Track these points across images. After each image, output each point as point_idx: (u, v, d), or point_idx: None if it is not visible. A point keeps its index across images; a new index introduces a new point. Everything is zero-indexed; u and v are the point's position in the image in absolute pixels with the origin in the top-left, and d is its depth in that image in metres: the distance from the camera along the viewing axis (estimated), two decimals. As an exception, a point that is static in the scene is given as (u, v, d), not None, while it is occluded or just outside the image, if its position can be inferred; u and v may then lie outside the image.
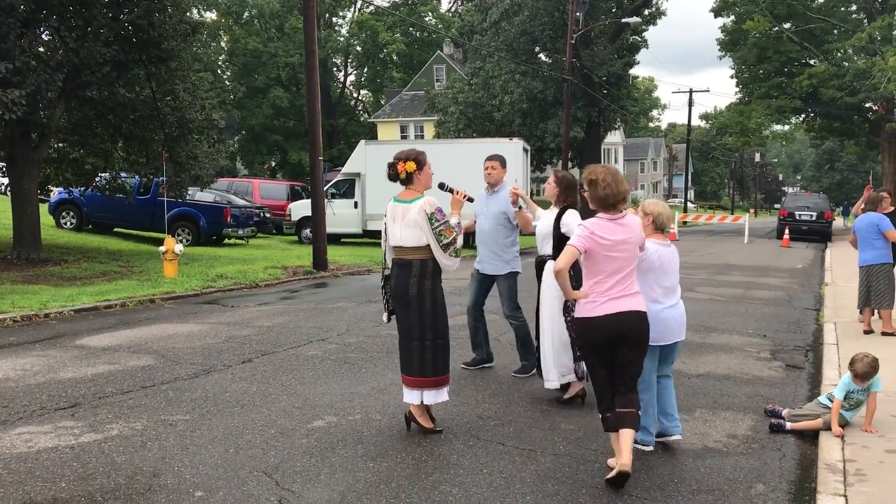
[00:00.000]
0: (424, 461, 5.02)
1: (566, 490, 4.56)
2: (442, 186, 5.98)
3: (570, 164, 39.56)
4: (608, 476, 4.63)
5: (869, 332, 9.54)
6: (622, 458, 4.56)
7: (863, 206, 10.37)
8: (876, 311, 9.76)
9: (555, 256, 5.94)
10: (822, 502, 4.37)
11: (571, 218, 6.23)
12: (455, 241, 5.44)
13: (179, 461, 4.95)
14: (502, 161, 7.48)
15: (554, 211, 6.53)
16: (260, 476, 4.71)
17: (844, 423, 5.64)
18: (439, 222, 5.39)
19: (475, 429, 5.70)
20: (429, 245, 5.42)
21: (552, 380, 6.37)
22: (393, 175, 5.56)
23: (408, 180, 5.54)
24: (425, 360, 5.48)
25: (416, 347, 5.50)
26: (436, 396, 5.56)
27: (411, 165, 5.49)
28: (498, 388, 6.89)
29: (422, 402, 5.54)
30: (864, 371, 5.61)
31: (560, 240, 6.08)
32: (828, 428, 5.57)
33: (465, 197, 5.73)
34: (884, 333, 9.37)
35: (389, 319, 5.79)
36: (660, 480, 4.74)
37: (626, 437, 4.63)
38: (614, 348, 4.73)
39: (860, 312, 10.01)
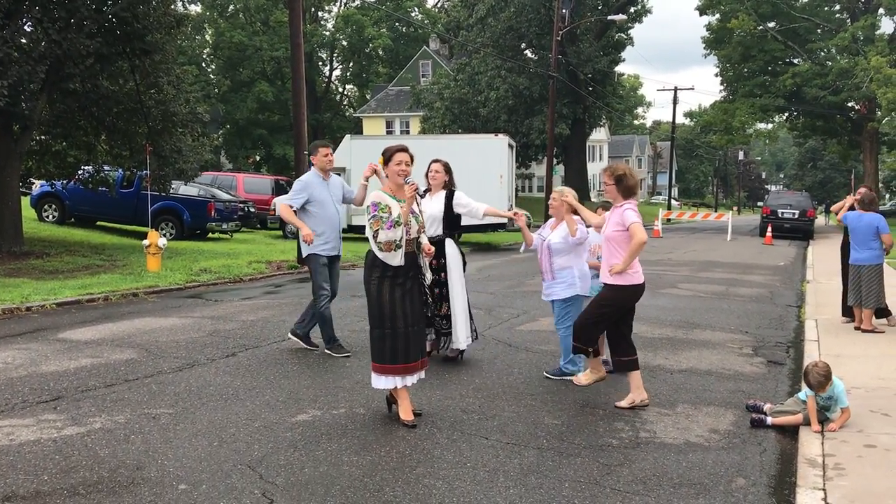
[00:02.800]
0: (408, 455, 5.03)
1: (549, 484, 4.59)
2: (404, 179, 6.00)
3: (555, 160, 39.68)
4: (639, 403, 6.20)
5: (861, 328, 9.59)
6: (643, 392, 6.24)
7: (848, 206, 10.43)
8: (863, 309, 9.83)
9: (449, 235, 7.46)
10: (801, 496, 4.42)
11: (465, 198, 7.47)
12: (377, 235, 5.54)
13: (163, 454, 4.94)
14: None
15: (440, 195, 7.46)
16: (244, 469, 4.71)
17: (824, 420, 5.69)
18: (370, 215, 5.59)
19: (459, 423, 5.72)
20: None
21: (462, 341, 7.49)
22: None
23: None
24: (372, 347, 5.74)
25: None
26: (373, 381, 5.76)
27: (381, 160, 5.83)
28: (482, 383, 6.91)
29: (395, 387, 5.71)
30: (817, 382, 5.59)
31: (452, 219, 7.43)
32: (808, 423, 5.63)
33: (414, 190, 5.73)
34: (863, 330, 9.47)
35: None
36: (642, 474, 4.78)
37: (636, 376, 6.25)
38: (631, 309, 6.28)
39: (849, 310, 10.09)
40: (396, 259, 5.56)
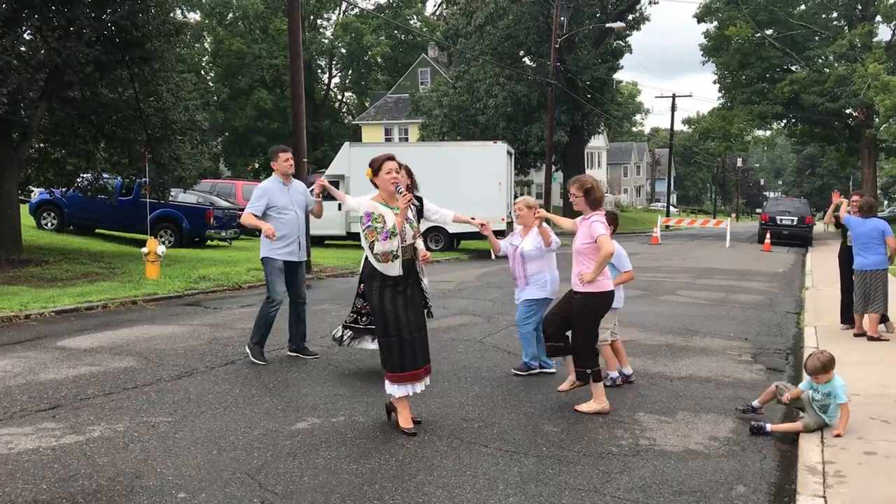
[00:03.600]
0: (408, 463, 5.03)
1: (549, 492, 4.58)
2: (397, 189, 5.98)
3: (554, 168, 39.72)
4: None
5: (861, 334, 9.56)
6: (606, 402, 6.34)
7: (833, 208, 10.47)
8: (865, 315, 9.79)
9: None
10: (801, 503, 4.42)
11: (433, 205, 7.51)
12: (373, 246, 5.53)
13: (162, 463, 4.93)
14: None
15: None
16: (243, 478, 4.70)
17: (823, 426, 5.70)
18: (364, 225, 5.57)
19: (459, 430, 5.72)
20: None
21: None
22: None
23: (374, 185, 5.80)
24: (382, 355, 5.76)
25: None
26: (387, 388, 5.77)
27: (369, 172, 5.78)
28: (482, 391, 6.91)
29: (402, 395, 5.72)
30: (813, 366, 5.77)
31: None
32: (808, 431, 5.63)
33: (408, 200, 5.74)
34: (869, 338, 9.43)
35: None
36: (642, 482, 4.78)
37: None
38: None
39: (849, 317, 10.08)
40: (395, 269, 5.55)
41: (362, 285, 7.15)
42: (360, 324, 7.48)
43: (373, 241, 5.51)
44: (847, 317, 10.25)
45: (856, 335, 9.61)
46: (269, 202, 7.74)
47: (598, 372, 6.34)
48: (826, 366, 5.74)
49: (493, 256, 7.19)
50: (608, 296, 6.31)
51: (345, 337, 7.56)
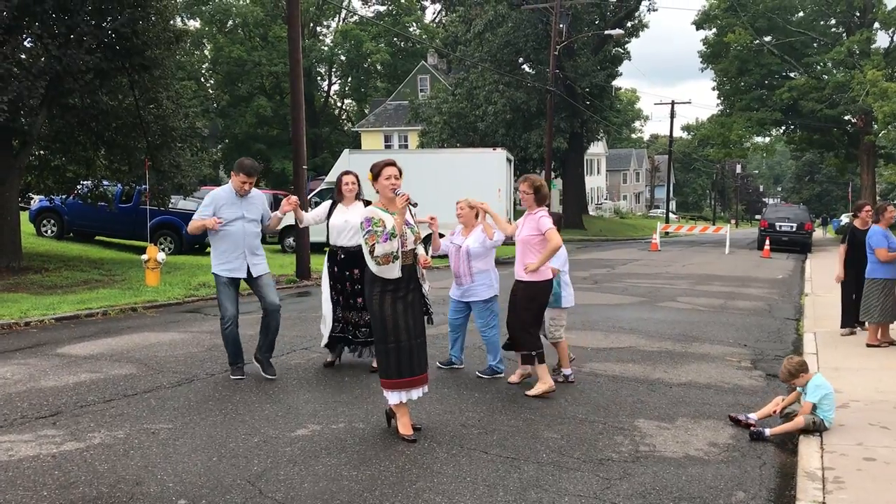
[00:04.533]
0: (408, 469, 5.03)
1: (549, 498, 4.59)
2: (394, 192, 5.98)
3: (552, 175, 39.75)
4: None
5: (873, 344, 9.42)
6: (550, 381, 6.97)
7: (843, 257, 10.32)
8: (866, 323, 9.74)
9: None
10: (801, 509, 4.43)
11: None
12: (374, 249, 5.52)
13: (162, 469, 4.93)
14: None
15: (357, 205, 7.63)
16: (243, 484, 4.71)
17: (822, 426, 5.73)
18: (364, 230, 5.58)
19: (458, 437, 5.72)
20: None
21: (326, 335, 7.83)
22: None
23: (377, 191, 5.85)
24: (379, 363, 5.79)
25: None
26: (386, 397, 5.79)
27: (369, 176, 5.82)
28: (482, 397, 6.91)
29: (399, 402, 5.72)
30: (783, 376, 6.12)
31: None
32: (807, 429, 5.66)
33: (407, 201, 5.75)
34: (867, 344, 9.42)
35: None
36: (642, 488, 4.78)
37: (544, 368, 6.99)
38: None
39: (850, 321, 10.07)
40: (395, 272, 5.55)
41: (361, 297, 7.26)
42: (367, 337, 7.66)
43: (373, 245, 5.50)
44: (849, 321, 10.25)
45: (870, 345, 9.45)
46: (216, 212, 7.27)
47: (542, 353, 6.99)
48: (792, 372, 6.01)
49: (428, 255, 7.27)
50: (550, 284, 7.06)
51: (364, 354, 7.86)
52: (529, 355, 6.99)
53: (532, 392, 6.94)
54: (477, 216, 7.83)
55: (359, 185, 7.79)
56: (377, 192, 5.80)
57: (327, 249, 7.92)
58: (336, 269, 7.74)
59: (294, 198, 7.49)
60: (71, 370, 7.69)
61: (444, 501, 4.51)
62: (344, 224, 7.60)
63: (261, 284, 7.55)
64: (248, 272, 7.46)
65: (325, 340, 7.94)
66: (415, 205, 5.86)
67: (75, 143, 17.23)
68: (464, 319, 8.01)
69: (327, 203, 7.91)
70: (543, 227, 6.85)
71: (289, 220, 22.45)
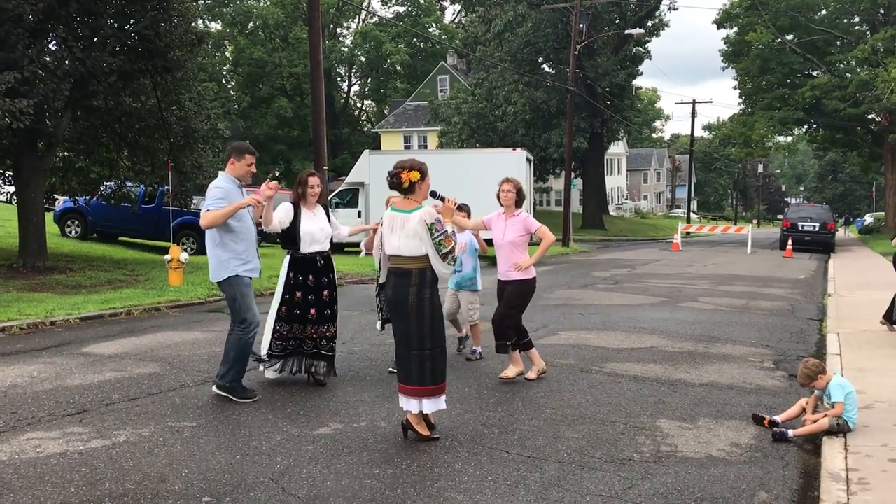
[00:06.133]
0: (429, 468, 5.05)
1: (571, 498, 4.59)
2: (434, 195, 5.96)
3: (573, 174, 39.64)
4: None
5: None
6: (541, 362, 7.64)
7: None
8: None
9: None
10: (825, 510, 4.40)
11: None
12: (453, 251, 5.47)
13: (186, 467, 4.99)
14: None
15: (320, 209, 7.27)
16: (266, 482, 4.75)
17: (847, 430, 5.69)
18: (439, 232, 5.40)
19: (480, 436, 5.74)
20: (426, 254, 5.44)
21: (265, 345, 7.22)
22: (396, 183, 5.55)
23: (410, 189, 5.55)
24: (424, 369, 5.50)
25: (415, 357, 5.51)
26: (434, 405, 5.59)
27: (415, 175, 5.51)
28: (502, 397, 6.92)
29: (421, 410, 5.59)
30: (800, 380, 6.05)
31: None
32: (831, 431, 5.62)
33: (455, 205, 5.78)
34: None
35: (383, 328, 6.07)
36: (664, 488, 4.77)
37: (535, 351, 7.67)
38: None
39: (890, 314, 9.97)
40: (451, 270, 5.59)
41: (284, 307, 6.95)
42: (324, 349, 7.23)
43: (453, 246, 5.44)
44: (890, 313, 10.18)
45: None
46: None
47: (531, 340, 7.61)
48: (810, 375, 5.94)
49: (362, 254, 7.34)
50: (535, 281, 7.56)
51: (273, 366, 7.22)
52: (529, 342, 7.59)
53: (531, 375, 7.55)
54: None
55: (325, 187, 7.45)
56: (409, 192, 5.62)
57: (288, 256, 7.15)
58: (311, 277, 7.08)
59: (274, 183, 6.68)
60: (96, 369, 7.78)
61: (465, 500, 4.53)
62: (320, 231, 7.11)
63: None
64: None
65: (263, 354, 7.18)
66: (461, 208, 5.90)
67: (99, 145, 17.42)
68: None
69: (287, 206, 7.11)
70: (533, 226, 7.39)
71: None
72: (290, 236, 7.04)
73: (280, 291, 7.13)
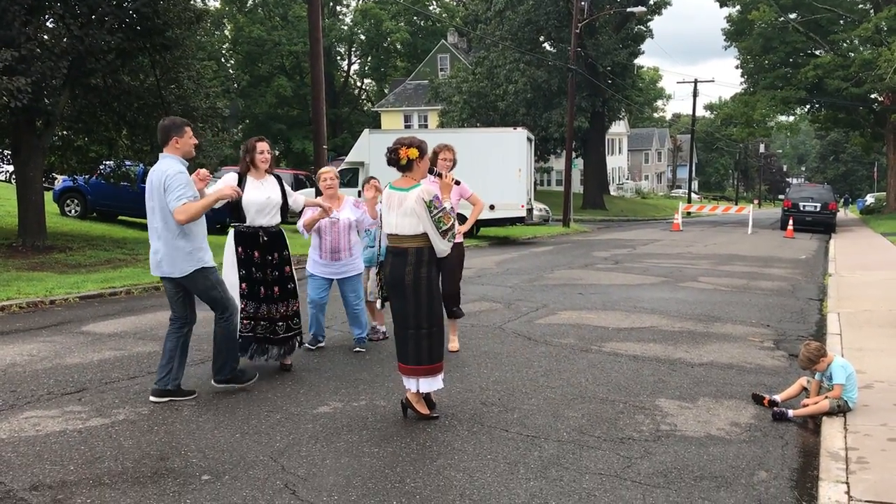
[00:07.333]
0: (429, 446, 5.06)
1: (570, 476, 4.60)
2: (431, 171, 5.91)
3: (574, 154, 39.51)
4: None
5: None
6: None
7: None
8: None
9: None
10: (824, 489, 4.40)
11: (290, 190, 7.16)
12: (453, 227, 5.45)
13: (186, 445, 4.99)
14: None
15: (271, 179, 6.83)
16: (266, 461, 4.75)
17: (847, 410, 5.69)
18: (437, 209, 5.36)
19: (479, 415, 5.74)
20: (425, 233, 5.39)
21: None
22: (394, 160, 5.48)
23: (408, 167, 5.48)
24: (421, 349, 5.48)
25: (412, 336, 5.49)
26: (431, 384, 5.58)
27: (413, 152, 5.45)
28: (502, 376, 6.92)
29: (418, 390, 5.58)
30: (801, 363, 6.03)
31: (285, 207, 6.89)
32: (831, 412, 5.62)
33: (453, 181, 5.75)
34: None
35: (383, 306, 6.08)
36: (663, 467, 4.78)
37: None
38: None
39: None
40: (449, 246, 5.54)
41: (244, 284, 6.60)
42: (259, 332, 6.75)
43: (452, 223, 5.46)
44: None
45: None
46: (193, 194, 5.97)
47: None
48: (812, 358, 5.93)
49: (305, 236, 7.30)
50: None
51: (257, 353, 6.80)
52: (461, 311, 7.85)
53: (455, 346, 7.82)
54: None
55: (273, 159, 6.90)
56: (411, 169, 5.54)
57: (232, 230, 6.81)
58: (257, 254, 6.70)
59: (203, 171, 6.30)
60: (95, 347, 7.78)
61: (464, 478, 4.53)
62: (266, 201, 6.63)
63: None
64: None
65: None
66: (458, 183, 5.86)
67: (97, 123, 17.33)
68: (328, 295, 7.90)
69: (231, 176, 6.74)
70: (468, 192, 7.64)
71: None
72: (236, 207, 6.63)
73: (234, 269, 6.80)
